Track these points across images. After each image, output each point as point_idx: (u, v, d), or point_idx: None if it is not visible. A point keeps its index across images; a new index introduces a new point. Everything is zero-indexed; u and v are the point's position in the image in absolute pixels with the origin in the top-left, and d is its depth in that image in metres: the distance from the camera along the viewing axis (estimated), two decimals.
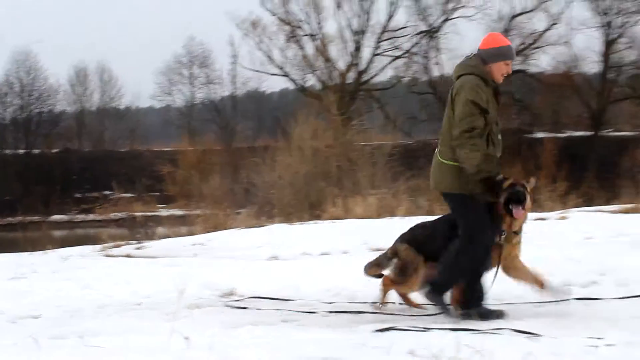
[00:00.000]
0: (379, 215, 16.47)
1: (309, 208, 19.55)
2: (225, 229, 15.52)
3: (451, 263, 6.47)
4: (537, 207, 16.60)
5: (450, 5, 36.44)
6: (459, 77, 6.57)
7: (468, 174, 6.34)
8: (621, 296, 6.76)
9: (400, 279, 6.82)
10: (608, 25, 35.13)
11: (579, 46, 39.42)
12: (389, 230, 12.44)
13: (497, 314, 6.32)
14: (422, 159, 29.83)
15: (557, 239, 10.87)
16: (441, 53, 36.63)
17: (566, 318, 6.17)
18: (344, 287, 7.78)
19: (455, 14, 36.60)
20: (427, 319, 6.30)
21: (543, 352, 4.76)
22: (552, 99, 35.44)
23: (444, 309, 6.45)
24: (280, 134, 27.76)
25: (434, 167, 6.69)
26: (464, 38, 50.36)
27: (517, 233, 6.59)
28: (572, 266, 8.20)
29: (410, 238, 6.96)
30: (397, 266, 6.88)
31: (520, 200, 6.38)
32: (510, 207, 6.37)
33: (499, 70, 6.53)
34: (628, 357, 4.73)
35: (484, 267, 6.50)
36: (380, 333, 5.51)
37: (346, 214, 17.06)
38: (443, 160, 6.53)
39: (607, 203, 16.60)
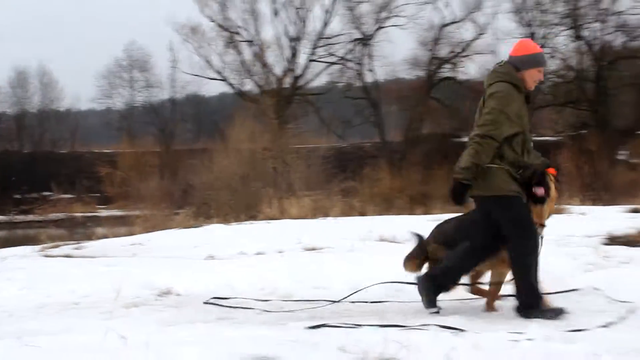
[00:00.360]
0: (313, 215, 16.65)
1: (246, 209, 19.54)
2: (164, 229, 15.26)
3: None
4: (463, 208, 17.42)
5: (383, 15, 37.05)
6: (490, 84, 6.43)
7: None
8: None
9: None
10: (531, 36, 36.08)
11: (505, 55, 40.36)
12: (322, 230, 12.90)
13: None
14: (355, 161, 30.64)
15: None
16: (374, 60, 37.27)
17: (490, 314, 6.35)
18: (279, 286, 7.79)
19: (388, 23, 37.25)
20: (358, 316, 6.27)
21: (466, 347, 4.84)
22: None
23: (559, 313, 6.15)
24: (218, 136, 27.98)
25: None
26: (396, 46, 51.49)
27: (544, 227, 6.50)
28: None
29: (436, 234, 6.92)
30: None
31: (541, 180, 6.28)
32: (533, 190, 6.27)
33: (532, 77, 6.44)
34: (546, 351, 4.78)
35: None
36: (312, 330, 5.49)
37: (281, 215, 17.22)
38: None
39: None
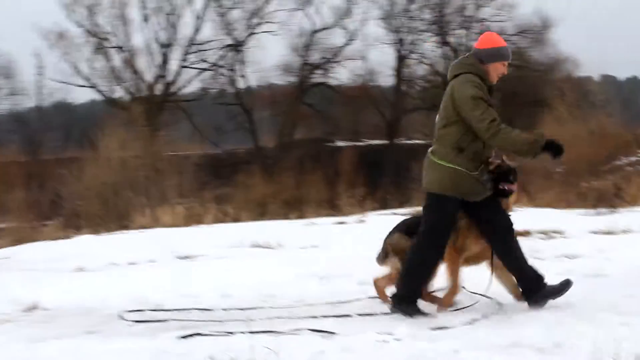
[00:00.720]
0: (186, 223, 16.47)
1: (117, 218, 19.19)
2: (31, 242, 14.81)
3: (409, 268, 6.37)
4: (336, 211, 17.65)
5: (255, 21, 37.08)
6: (455, 75, 6.39)
7: (524, 154, 6.18)
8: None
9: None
10: (400, 42, 37.07)
11: (375, 61, 41.22)
12: (196, 237, 12.85)
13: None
14: (229, 168, 30.54)
15: (355, 241, 11.18)
16: (246, 66, 37.26)
17: (361, 316, 6.39)
18: (150, 296, 7.67)
19: (260, 29, 37.32)
20: (230, 323, 6.25)
21: (335, 350, 4.97)
22: (351, 110, 36.81)
23: (423, 314, 6.27)
24: (88, 145, 27.34)
25: (427, 167, 6.48)
26: (268, 52, 51.54)
27: None
28: (367, 266, 7.98)
29: (400, 227, 6.87)
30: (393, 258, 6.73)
31: (510, 177, 6.34)
32: (502, 186, 6.34)
33: (496, 71, 6.41)
34: (411, 350, 4.94)
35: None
36: (184, 340, 5.46)
37: (154, 223, 16.94)
38: (436, 161, 6.35)
39: (401, 206, 17.39)
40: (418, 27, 37.01)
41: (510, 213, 6.46)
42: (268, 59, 52.36)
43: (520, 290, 6.41)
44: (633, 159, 22.56)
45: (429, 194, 6.42)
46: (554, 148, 6.18)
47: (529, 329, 5.42)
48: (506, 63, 6.47)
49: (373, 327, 5.75)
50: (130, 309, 7.07)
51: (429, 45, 37.37)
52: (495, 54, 6.40)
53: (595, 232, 11.13)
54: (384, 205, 19.06)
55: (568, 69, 35.02)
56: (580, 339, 5.03)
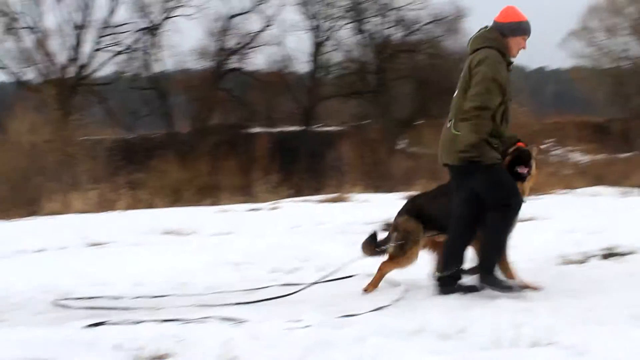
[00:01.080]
0: (98, 209, 16.22)
1: (27, 204, 18.84)
2: None
3: (492, 237, 6.23)
4: (251, 198, 17.67)
5: (171, 4, 36.66)
6: (477, 49, 6.27)
7: (456, 146, 6.14)
8: (320, 280, 7.04)
9: (401, 253, 6.66)
10: (317, 28, 37.20)
11: (291, 47, 41.24)
12: (108, 224, 12.70)
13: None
14: (143, 153, 30.14)
15: (268, 228, 11.27)
16: (162, 50, 36.78)
17: (271, 303, 6.39)
18: (60, 283, 7.54)
19: (176, 13, 36.88)
20: (140, 311, 6.21)
21: (243, 337, 5.00)
22: (267, 96, 36.73)
23: (506, 288, 6.16)
24: None
25: (447, 140, 6.34)
26: (183, 35, 50.95)
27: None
28: (280, 253, 8.61)
29: (409, 207, 6.79)
30: (397, 239, 6.69)
31: (526, 160, 6.32)
32: (517, 169, 6.31)
33: (517, 45, 6.32)
34: (318, 337, 5.02)
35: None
36: (90, 328, 5.40)
37: (65, 209, 16.62)
38: (456, 133, 6.21)
39: (315, 193, 17.32)
40: (334, 13, 37.20)
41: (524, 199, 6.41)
42: (184, 43, 51.90)
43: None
44: (541, 147, 23.16)
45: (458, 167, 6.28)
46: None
47: (434, 314, 5.53)
48: (527, 38, 6.38)
49: (282, 314, 5.78)
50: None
51: (345, 32, 37.60)
52: (518, 28, 6.32)
53: None
54: (298, 192, 19.11)
55: None
56: (482, 324, 5.18)
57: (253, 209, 14.52)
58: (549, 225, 10.07)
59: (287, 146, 30.49)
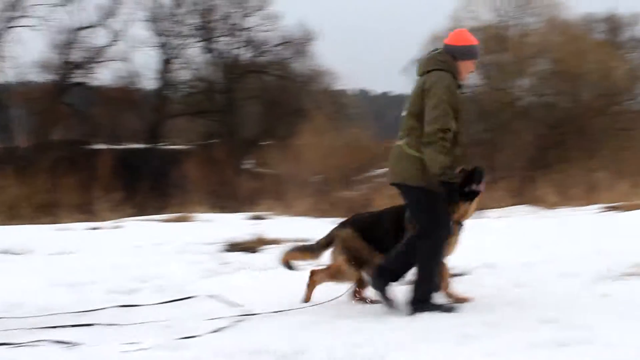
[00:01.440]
0: None
1: None
2: None
3: (402, 254, 6.23)
4: (92, 216, 17.22)
5: (13, 14, 35.39)
6: (428, 71, 6.28)
7: (430, 174, 6.09)
8: (158, 302, 7.00)
9: (346, 269, 6.56)
10: (165, 45, 36.84)
11: (139, 63, 40.60)
12: None
13: (448, 309, 6.22)
14: None
15: (109, 247, 11.07)
16: (3, 61, 35.40)
17: (108, 325, 6.16)
18: None
19: (18, 23, 35.60)
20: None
21: None
22: (112, 112, 35.98)
23: (387, 300, 6.26)
24: None
25: (397, 158, 6.34)
26: (26, 47, 49.06)
27: (462, 225, 6.51)
28: (120, 273, 8.46)
29: (354, 223, 6.67)
30: (340, 254, 6.58)
31: (481, 178, 6.33)
32: (473, 186, 6.33)
33: (467, 69, 6.38)
34: (156, 359, 4.98)
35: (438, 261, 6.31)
36: None
37: None
38: (410, 152, 6.23)
39: (159, 212, 17.17)
40: (184, 31, 36.98)
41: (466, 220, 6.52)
42: (26, 55, 49.95)
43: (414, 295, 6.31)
44: (382, 171, 23.82)
45: (404, 186, 6.32)
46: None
47: (274, 335, 5.56)
48: (476, 62, 6.48)
49: (119, 337, 5.65)
50: None
51: (194, 51, 37.43)
52: (469, 52, 6.39)
53: None
54: (142, 211, 18.80)
55: (326, 82, 36.46)
56: (318, 345, 5.24)
57: (93, 228, 14.20)
58: None
59: (131, 164, 30.04)
